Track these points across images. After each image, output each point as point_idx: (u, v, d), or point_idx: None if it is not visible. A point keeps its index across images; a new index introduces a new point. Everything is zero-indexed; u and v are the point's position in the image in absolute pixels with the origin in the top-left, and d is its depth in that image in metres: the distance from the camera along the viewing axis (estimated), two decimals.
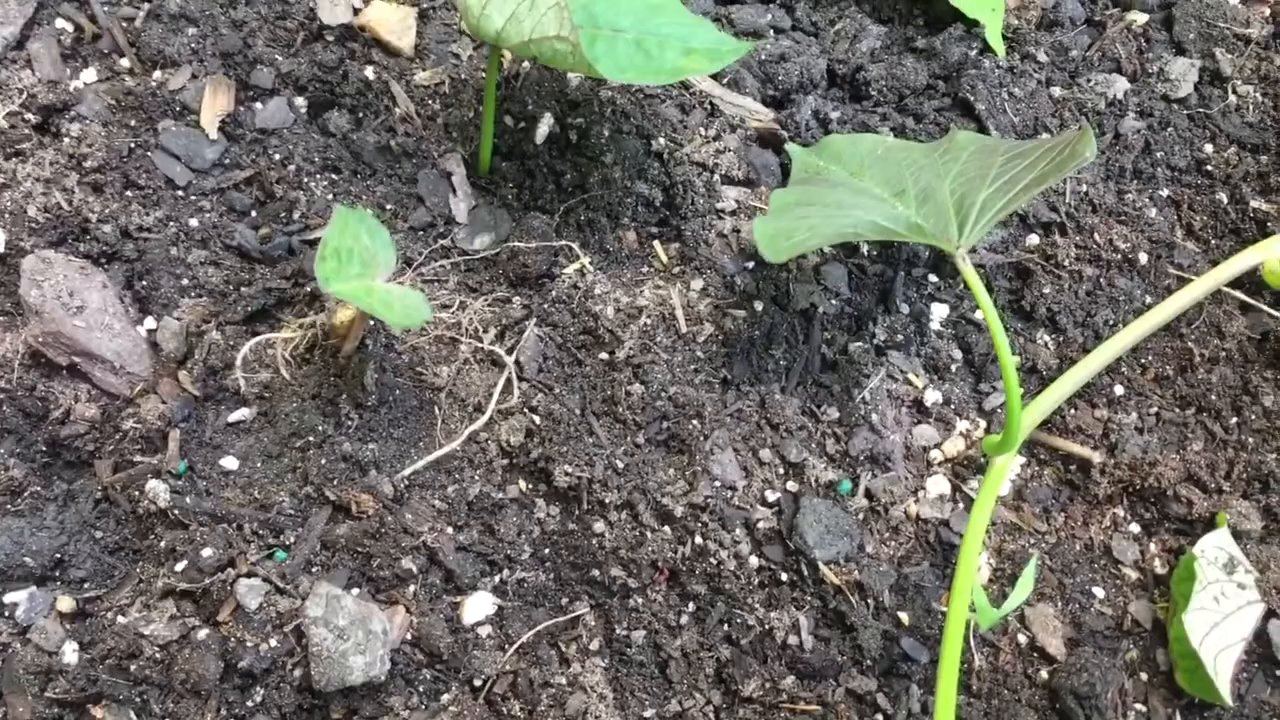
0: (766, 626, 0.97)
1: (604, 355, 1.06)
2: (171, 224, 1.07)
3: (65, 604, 0.93)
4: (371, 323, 1.01)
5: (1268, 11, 1.36)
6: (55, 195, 1.05)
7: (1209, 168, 1.25)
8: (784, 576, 1.00)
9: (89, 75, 1.13)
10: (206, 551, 0.92)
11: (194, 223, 1.07)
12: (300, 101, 1.15)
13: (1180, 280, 1.18)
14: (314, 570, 0.95)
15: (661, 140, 1.18)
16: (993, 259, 1.18)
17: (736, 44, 1.05)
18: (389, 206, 1.12)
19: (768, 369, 1.08)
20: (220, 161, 1.11)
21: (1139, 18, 1.34)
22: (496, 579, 0.98)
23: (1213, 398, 1.13)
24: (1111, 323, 1.15)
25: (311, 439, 0.98)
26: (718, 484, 1.01)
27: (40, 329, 0.98)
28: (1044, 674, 1.00)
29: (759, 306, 1.10)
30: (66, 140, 1.07)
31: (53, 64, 1.12)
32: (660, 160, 1.17)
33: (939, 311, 1.15)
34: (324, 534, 0.96)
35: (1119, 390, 1.14)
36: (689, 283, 1.12)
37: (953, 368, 1.13)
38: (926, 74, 1.28)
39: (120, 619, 0.91)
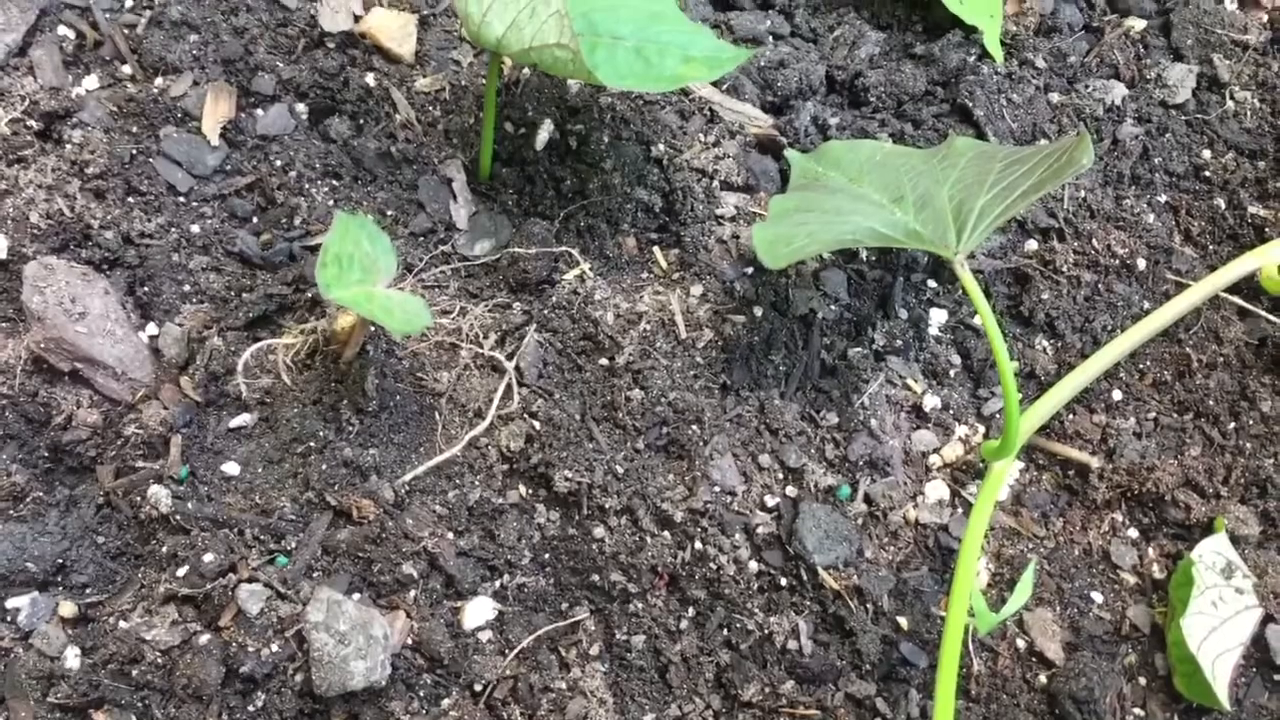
0: (766, 631, 0.97)
1: (604, 361, 1.06)
2: (173, 230, 1.07)
3: (67, 609, 0.93)
4: (372, 328, 1.01)
5: (1265, 18, 1.37)
6: (57, 202, 1.05)
7: (1207, 173, 1.26)
8: (783, 581, 1.00)
9: (91, 82, 1.13)
10: (208, 557, 0.92)
11: (195, 229, 1.07)
12: (301, 108, 1.16)
13: (1178, 285, 1.18)
14: (315, 575, 0.95)
15: (661, 146, 1.19)
16: (991, 264, 1.19)
17: (736, 51, 1.05)
18: (390, 212, 1.12)
19: (767, 374, 1.08)
20: (221, 168, 1.11)
21: (1137, 24, 1.35)
22: (497, 584, 0.98)
23: (1211, 403, 1.13)
24: (1110, 328, 1.15)
25: (312, 444, 0.99)
26: (717, 489, 1.01)
27: (42, 335, 0.98)
28: (1042, 679, 1.01)
29: (758, 312, 1.11)
30: (68, 147, 1.08)
31: (55, 71, 1.12)
32: (660, 166, 1.17)
33: (938, 317, 1.16)
34: (325, 539, 0.96)
35: (1117, 395, 1.14)
36: (688, 288, 1.12)
37: (951, 373, 1.13)
38: (925, 80, 1.28)
39: (122, 624, 0.92)
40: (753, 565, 1.00)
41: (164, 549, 0.94)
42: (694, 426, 1.03)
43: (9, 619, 0.93)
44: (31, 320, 0.98)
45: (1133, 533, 1.08)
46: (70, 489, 0.99)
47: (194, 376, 1.02)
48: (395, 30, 1.21)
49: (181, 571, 0.93)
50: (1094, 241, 1.19)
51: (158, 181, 1.09)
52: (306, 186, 1.11)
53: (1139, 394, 1.14)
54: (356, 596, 0.94)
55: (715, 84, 1.25)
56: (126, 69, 1.15)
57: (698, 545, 0.99)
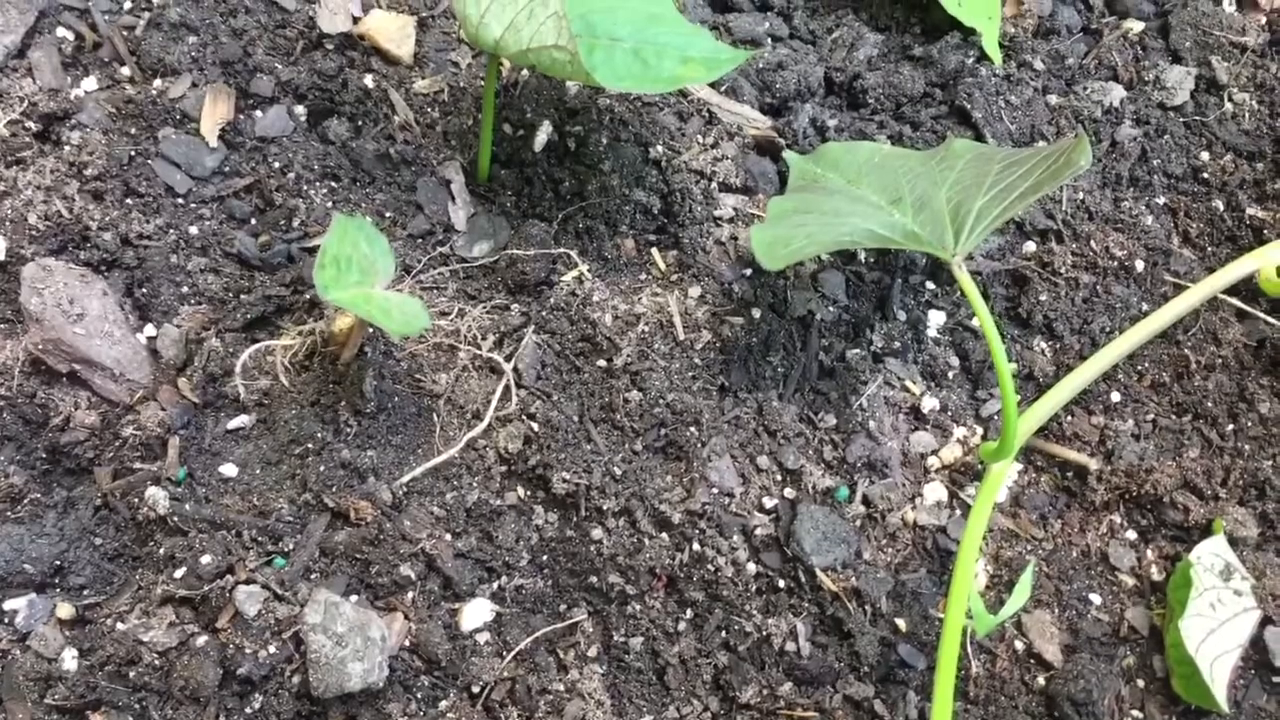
0: (764, 633, 0.97)
1: (602, 362, 1.06)
2: (171, 231, 1.07)
3: (65, 611, 0.93)
4: (370, 330, 1.01)
5: (1264, 20, 1.37)
6: (56, 203, 1.05)
7: (1205, 175, 1.26)
8: (781, 583, 1.00)
9: (89, 84, 1.13)
10: (205, 558, 0.92)
11: (194, 230, 1.07)
12: (300, 110, 1.16)
13: (1176, 287, 1.18)
14: (313, 577, 0.95)
15: (659, 148, 1.19)
16: (989, 266, 1.19)
17: (734, 52, 1.06)
18: (388, 214, 1.12)
19: (765, 376, 1.08)
20: (220, 169, 1.11)
21: (1135, 26, 1.35)
22: (495, 586, 0.98)
23: (1209, 404, 1.13)
24: (1108, 330, 1.15)
25: (310, 446, 0.98)
26: (715, 491, 1.01)
27: (40, 336, 0.98)
28: (1041, 680, 1.01)
29: (756, 314, 1.11)
30: (67, 148, 1.08)
31: (53, 72, 1.12)
32: (658, 168, 1.18)
33: (936, 319, 1.16)
34: (323, 541, 0.96)
35: (1116, 397, 1.14)
36: (687, 290, 1.12)
37: (950, 375, 1.13)
38: (923, 82, 1.28)
39: (119, 626, 0.91)
40: (751, 567, 0.99)
41: (162, 550, 0.94)
42: (692, 428, 1.03)
43: (6, 620, 0.93)
44: (30, 321, 0.98)
45: (1131, 534, 1.08)
46: (68, 490, 0.99)
47: (192, 378, 1.02)
48: (394, 32, 1.21)
49: (179, 573, 0.93)
50: (1092, 243, 1.19)
51: (156, 183, 1.09)
52: (305, 188, 1.11)
53: (1137, 396, 1.14)
54: (354, 598, 0.94)
55: (713, 86, 1.25)
56: (125, 71, 1.15)
57: (696, 547, 0.99)
